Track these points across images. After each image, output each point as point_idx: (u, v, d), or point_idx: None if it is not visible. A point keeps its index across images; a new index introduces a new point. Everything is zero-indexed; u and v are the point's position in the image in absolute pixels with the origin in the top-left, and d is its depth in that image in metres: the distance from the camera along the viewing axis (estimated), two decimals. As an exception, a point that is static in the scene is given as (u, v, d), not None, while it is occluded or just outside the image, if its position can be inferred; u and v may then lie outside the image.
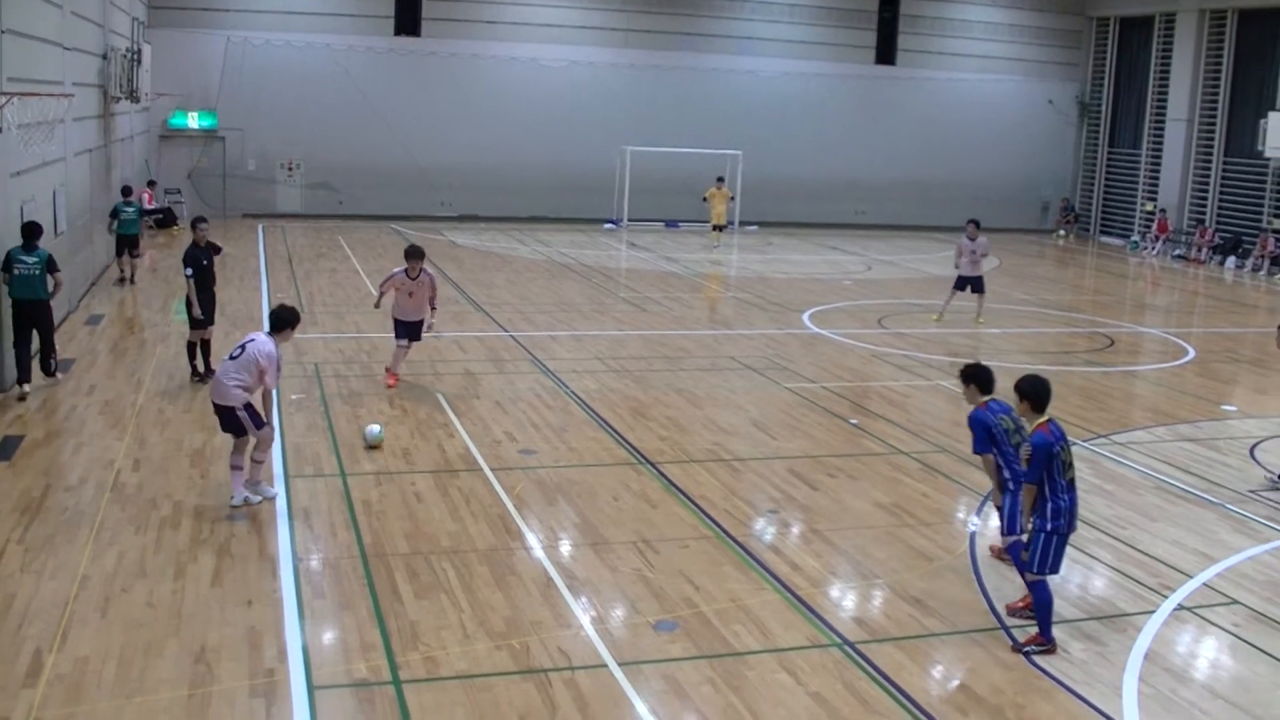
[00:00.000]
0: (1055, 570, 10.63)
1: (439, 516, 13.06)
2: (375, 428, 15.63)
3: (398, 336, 18.96)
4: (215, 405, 13.18)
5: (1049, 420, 10.64)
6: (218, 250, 19.54)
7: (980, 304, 27.29)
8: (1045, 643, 10.53)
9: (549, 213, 44.10)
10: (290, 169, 42.08)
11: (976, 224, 27.30)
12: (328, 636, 10.14)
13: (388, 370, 19.11)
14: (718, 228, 39.85)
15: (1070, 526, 10.55)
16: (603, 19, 44.63)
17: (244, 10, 41.08)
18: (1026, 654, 10.42)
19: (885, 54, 48.58)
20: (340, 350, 21.08)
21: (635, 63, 45.03)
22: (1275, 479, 14.81)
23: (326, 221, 40.68)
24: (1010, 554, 11.15)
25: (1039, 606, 10.60)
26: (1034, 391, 10.70)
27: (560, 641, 10.15)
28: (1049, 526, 10.45)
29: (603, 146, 43.28)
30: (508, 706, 9.06)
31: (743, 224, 44.45)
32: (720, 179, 40.96)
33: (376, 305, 20.04)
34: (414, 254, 18.82)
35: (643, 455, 15.70)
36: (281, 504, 13.24)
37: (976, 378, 11.46)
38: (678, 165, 43.34)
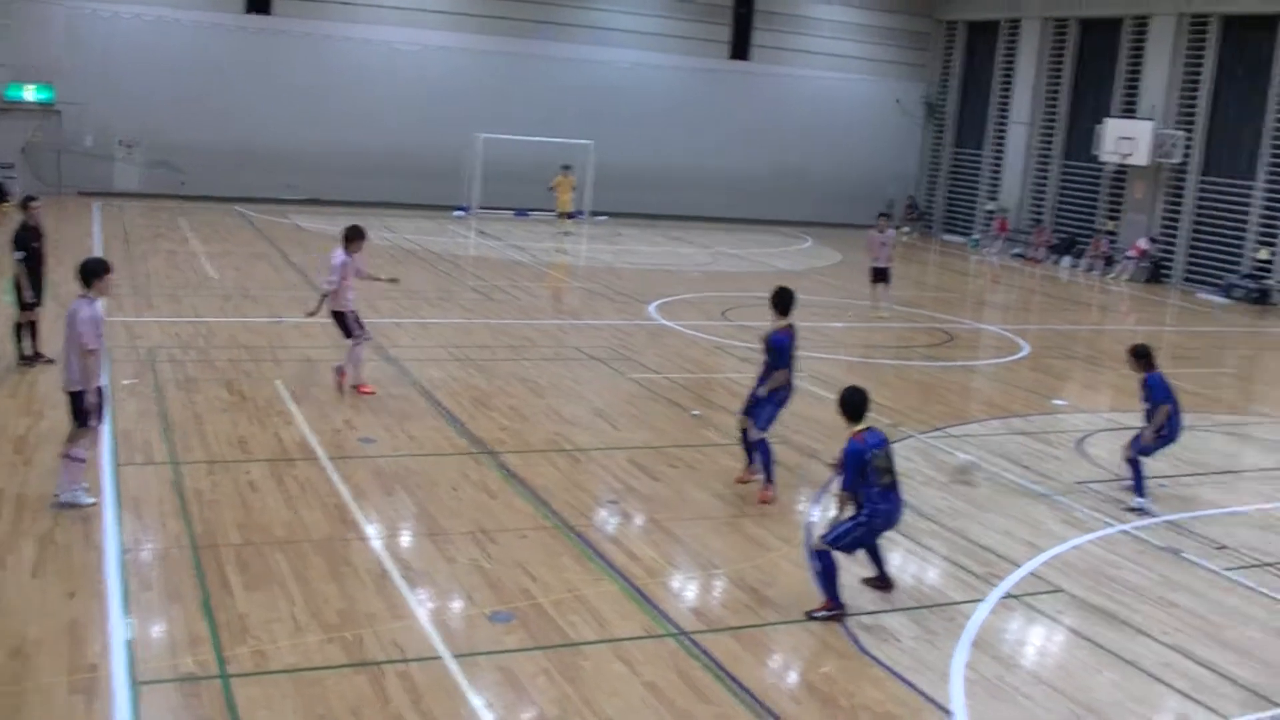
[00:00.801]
0: (847, 551, 11.19)
1: (273, 506, 12.84)
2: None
3: (354, 334, 17.69)
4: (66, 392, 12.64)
5: (866, 429, 11.04)
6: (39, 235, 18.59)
7: (886, 295, 28.40)
8: (833, 604, 10.97)
9: (398, 198, 43.61)
10: (129, 146, 41.04)
11: (887, 217, 28.45)
12: (154, 630, 9.90)
13: (341, 370, 17.75)
14: (565, 215, 40.16)
15: (886, 524, 11.08)
16: (459, 4, 44.25)
17: (91, -18, 40.07)
18: (815, 617, 10.94)
19: (739, 49, 48.83)
20: (176, 334, 20.64)
21: (490, 49, 44.73)
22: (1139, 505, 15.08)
23: (167, 202, 39.75)
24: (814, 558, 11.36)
25: (823, 573, 11.03)
26: (848, 402, 11.20)
27: (394, 634, 10.05)
28: (863, 519, 10.92)
29: (455, 133, 42.92)
30: (338, 700, 8.94)
31: (593, 214, 44.43)
32: (566, 167, 40.99)
33: (314, 314, 18.25)
34: (360, 234, 17.85)
35: (484, 445, 15.61)
36: (109, 493, 12.89)
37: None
38: (530, 153, 43.12)
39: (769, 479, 14.39)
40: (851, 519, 11.03)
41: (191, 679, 9.11)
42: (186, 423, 15.57)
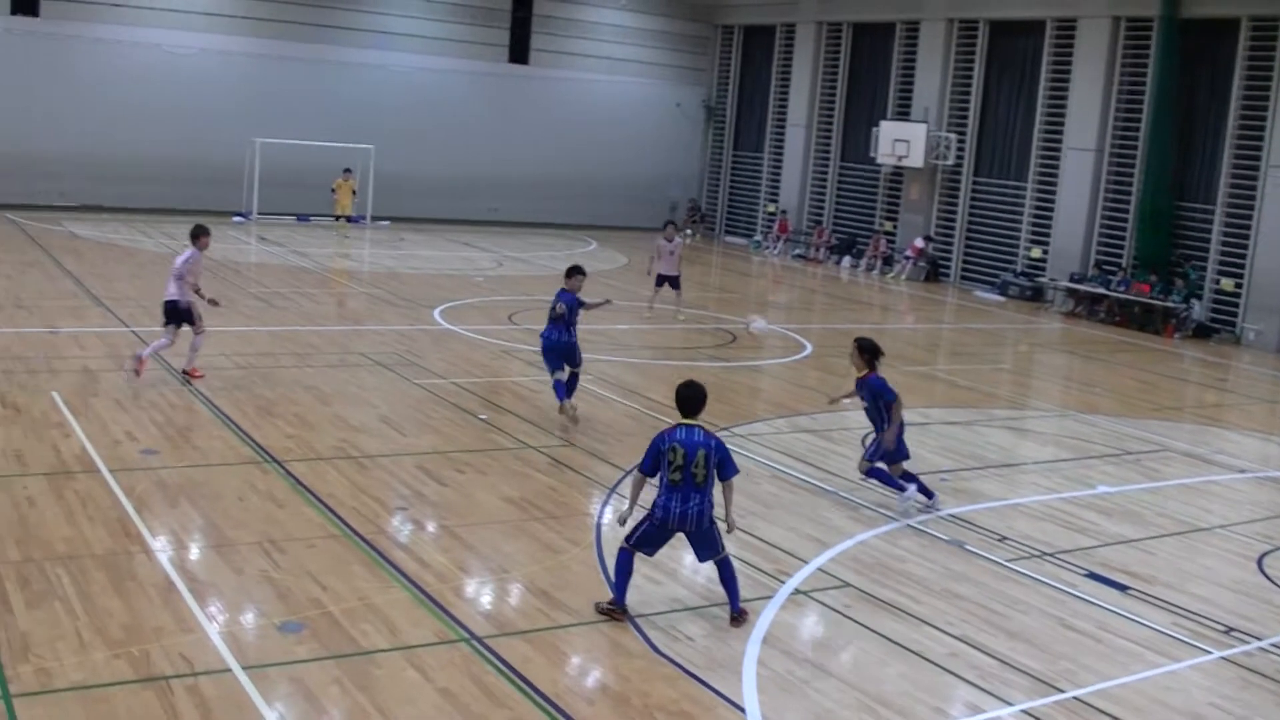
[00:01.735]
0: (645, 550, 11.29)
1: (53, 521, 12.51)
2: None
3: (197, 324, 18.82)
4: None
5: (686, 425, 11.16)
6: None
7: (679, 301, 28.60)
8: (618, 605, 11.13)
9: (176, 204, 42.61)
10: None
11: (675, 225, 28.74)
12: (-70, 649, 9.61)
13: (141, 359, 18.47)
14: (344, 218, 40.07)
15: (672, 521, 11.05)
16: (234, 6, 43.51)
17: None
18: (601, 611, 11.13)
19: (519, 53, 48.92)
20: (-54, 347, 20.00)
21: (267, 53, 44.06)
22: (926, 503, 15.33)
23: (-69, 210, 38.44)
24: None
25: (617, 569, 11.23)
26: (678, 398, 11.41)
27: (182, 647, 9.87)
28: (654, 513, 11.08)
29: (233, 137, 42.13)
30: (127, 716, 8.77)
31: (375, 219, 44.08)
32: (347, 170, 40.72)
33: (213, 301, 19.30)
34: (205, 232, 19.09)
35: (269, 454, 15.42)
36: (-121, 510, 12.47)
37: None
38: (310, 158, 42.60)
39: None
40: (646, 515, 11.21)
41: (-29, 701, 8.87)
42: (-42, 437, 15.10)
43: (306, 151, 42.46)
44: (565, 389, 17.86)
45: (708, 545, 11.27)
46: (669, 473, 10.98)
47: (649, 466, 11.08)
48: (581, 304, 18.13)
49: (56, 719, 8.68)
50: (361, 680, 9.57)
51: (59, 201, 41.32)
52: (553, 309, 17.84)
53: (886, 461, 15.21)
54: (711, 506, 11.17)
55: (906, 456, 15.28)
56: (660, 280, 28.51)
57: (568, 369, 17.99)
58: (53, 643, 9.78)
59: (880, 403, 15.16)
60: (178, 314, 18.64)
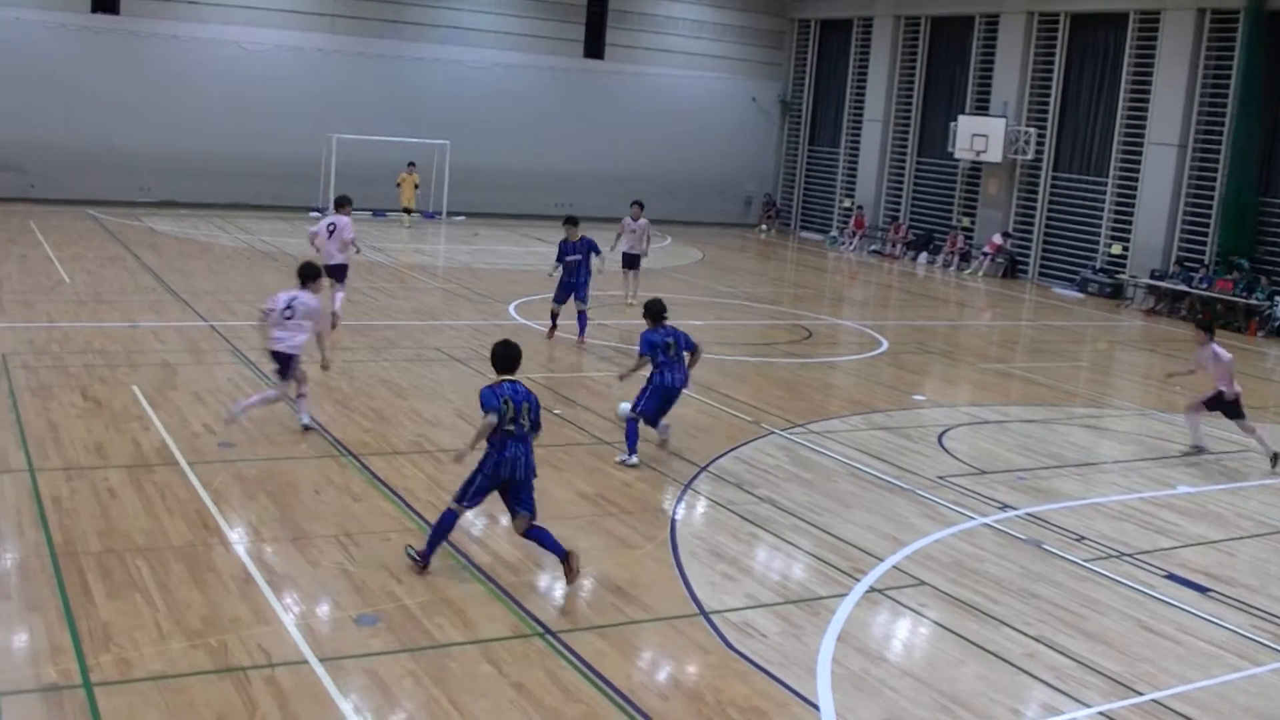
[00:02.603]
0: (467, 504, 11.77)
1: (133, 513, 12.64)
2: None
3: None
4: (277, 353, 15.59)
5: (503, 381, 11.78)
6: None
7: (635, 282, 28.05)
8: (422, 560, 11.67)
9: (252, 200, 43.10)
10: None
11: (640, 205, 28.49)
12: (14, 640, 9.71)
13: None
14: (408, 211, 41.47)
15: (502, 472, 11.60)
16: (309, 3, 43.82)
17: (-74, -20, 39.06)
18: (410, 556, 11.76)
19: (594, 48, 48.96)
20: (30, 341, 20.20)
21: (343, 49, 44.35)
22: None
23: (16, 205, 38.85)
24: None
25: (437, 527, 11.76)
26: (493, 356, 12.07)
27: (260, 638, 9.95)
28: (485, 466, 11.68)
29: (308, 133, 42.46)
30: (204, 706, 8.84)
31: (450, 214, 44.28)
32: (411, 164, 41.11)
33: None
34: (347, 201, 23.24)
35: (346, 448, 15.51)
36: (-37, 501, 12.65)
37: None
38: (386, 154, 42.82)
39: None
40: (475, 470, 11.65)
41: (54, 689, 8.94)
42: (42, 430, 15.26)
43: (382, 147, 42.71)
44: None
45: (527, 496, 11.81)
46: (504, 424, 11.48)
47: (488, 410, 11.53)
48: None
49: (136, 708, 8.76)
50: (436, 673, 9.59)
51: (138, 197, 41.81)
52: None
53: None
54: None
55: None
56: (626, 260, 28.09)
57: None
58: (132, 633, 9.87)
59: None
60: (340, 271, 22.69)
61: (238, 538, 12.25)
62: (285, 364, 15.65)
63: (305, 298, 15.65)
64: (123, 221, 37.02)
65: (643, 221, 27.86)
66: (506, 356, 11.96)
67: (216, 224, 38.71)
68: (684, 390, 16.33)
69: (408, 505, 13.52)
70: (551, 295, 23.66)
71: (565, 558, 11.46)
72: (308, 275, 15.93)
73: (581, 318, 23.36)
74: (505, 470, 11.55)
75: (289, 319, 15.50)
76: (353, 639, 10.14)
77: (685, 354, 16.17)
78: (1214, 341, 18.58)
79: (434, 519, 12.98)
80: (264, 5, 43.21)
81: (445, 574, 11.64)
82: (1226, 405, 18.57)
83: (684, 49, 50.20)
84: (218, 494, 13.43)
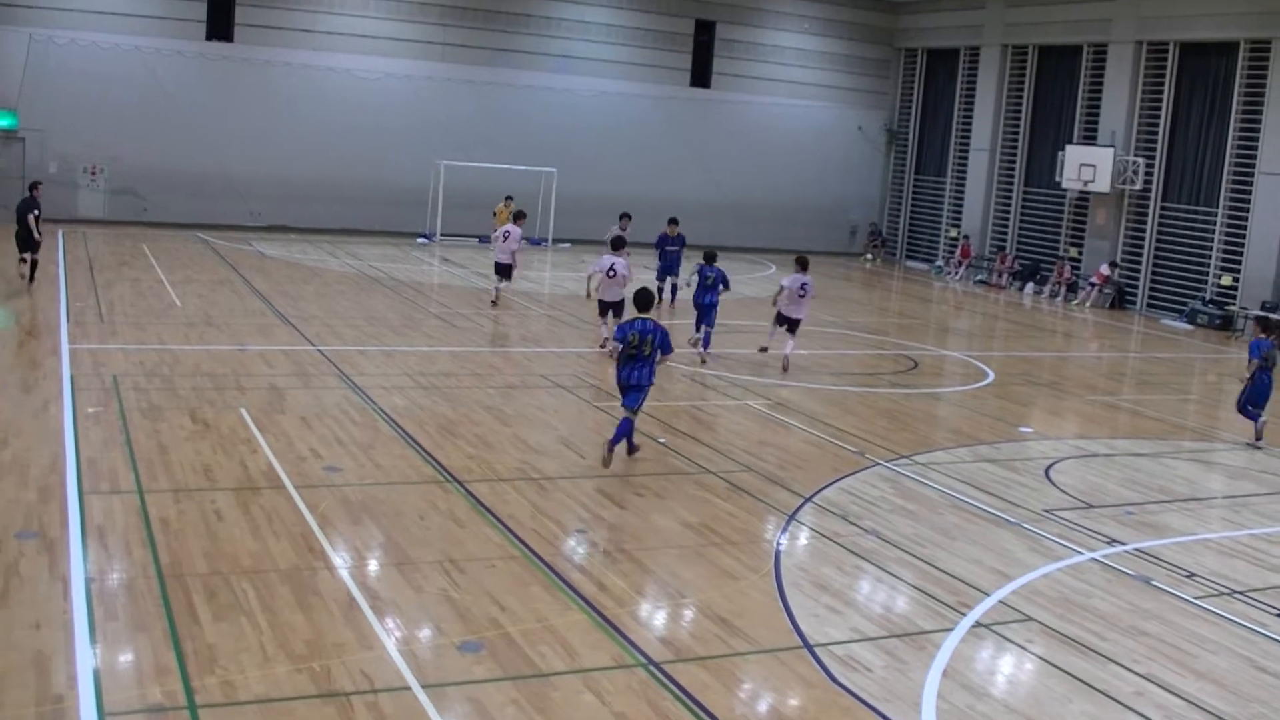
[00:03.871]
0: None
1: (239, 535, 12.75)
2: None
3: None
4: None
5: (636, 319, 16.18)
6: None
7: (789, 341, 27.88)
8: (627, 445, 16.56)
9: (361, 225, 43.59)
10: (94, 173, 40.94)
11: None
12: (121, 660, 9.81)
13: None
14: None
15: (621, 382, 16.31)
16: (419, 32, 44.31)
17: (49, 8, 39.72)
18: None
19: (700, 77, 49.06)
20: (141, 362, 20.52)
21: (451, 77, 44.79)
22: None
23: (130, 229, 39.63)
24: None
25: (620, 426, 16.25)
26: (634, 298, 16.69)
27: (363, 663, 9.97)
28: (618, 374, 16.35)
29: (417, 160, 42.95)
30: (307, 730, 8.89)
31: (556, 242, 44.47)
32: (508, 197, 41.31)
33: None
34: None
35: (450, 473, 15.57)
36: (75, 522, 12.78)
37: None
38: (493, 181, 43.12)
39: None
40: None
41: (159, 710, 9.01)
42: (151, 451, 15.46)
43: (489, 174, 43.02)
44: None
45: (634, 397, 16.30)
46: (627, 349, 15.87)
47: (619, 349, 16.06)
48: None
49: (240, 732, 8.81)
50: (538, 702, 9.56)
51: (249, 221, 42.43)
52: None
53: None
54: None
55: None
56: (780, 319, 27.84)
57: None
58: (237, 655, 9.94)
59: None
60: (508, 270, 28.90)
61: (342, 562, 12.31)
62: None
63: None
64: (233, 245, 37.56)
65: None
66: (641, 298, 16.32)
67: (325, 249, 39.16)
68: (649, 385, 16.66)
69: (511, 532, 13.52)
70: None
71: (611, 446, 15.76)
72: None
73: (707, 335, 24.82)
74: (626, 378, 16.03)
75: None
76: (456, 666, 10.14)
77: (659, 353, 16.35)
78: None
79: (538, 546, 13.05)
80: (376, 34, 43.76)
81: (549, 603, 11.62)
82: None
83: (790, 78, 50.15)
84: (323, 518, 13.51)
